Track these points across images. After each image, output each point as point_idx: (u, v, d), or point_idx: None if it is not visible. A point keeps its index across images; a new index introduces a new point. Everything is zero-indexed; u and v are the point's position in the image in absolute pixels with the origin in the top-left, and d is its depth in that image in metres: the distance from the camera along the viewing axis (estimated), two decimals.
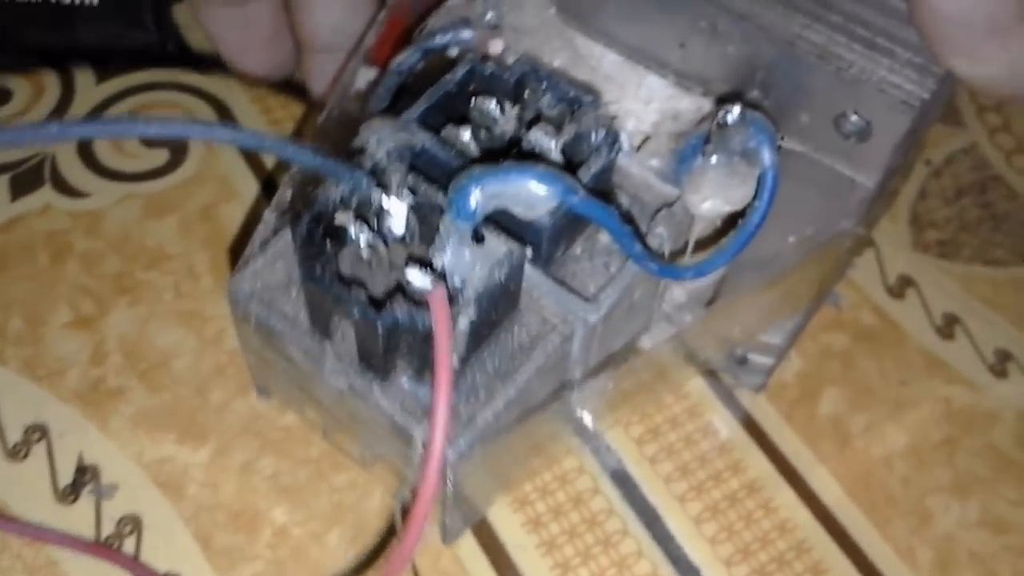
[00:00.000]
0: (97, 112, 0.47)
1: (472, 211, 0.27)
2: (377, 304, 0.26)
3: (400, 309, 0.26)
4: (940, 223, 0.46)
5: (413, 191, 0.28)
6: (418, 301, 0.26)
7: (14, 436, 0.37)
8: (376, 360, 0.28)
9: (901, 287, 0.44)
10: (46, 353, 0.39)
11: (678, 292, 0.34)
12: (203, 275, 0.42)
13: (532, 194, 0.27)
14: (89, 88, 0.49)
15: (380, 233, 0.28)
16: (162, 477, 0.36)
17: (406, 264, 0.27)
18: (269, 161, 0.46)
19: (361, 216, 0.28)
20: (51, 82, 0.49)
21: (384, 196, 0.28)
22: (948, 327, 0.42)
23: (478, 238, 0.27)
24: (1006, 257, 0.45)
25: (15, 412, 0.38)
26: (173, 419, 0.38)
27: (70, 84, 0.49)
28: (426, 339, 0.26)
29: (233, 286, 0.30)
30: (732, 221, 0.31)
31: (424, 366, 0.28)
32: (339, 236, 0.28)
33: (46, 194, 0.44)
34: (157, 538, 0.35)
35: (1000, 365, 0.41)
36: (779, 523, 0.36)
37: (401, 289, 0.27)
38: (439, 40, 0.32)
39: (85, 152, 0.46)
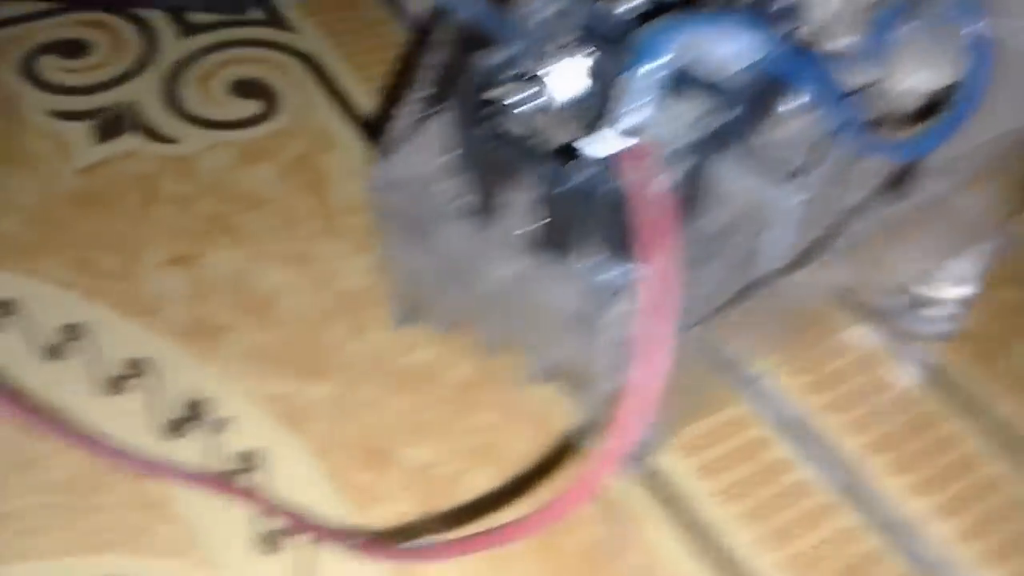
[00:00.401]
0: (181, 66, 0.45)
1: (666, 61, 0.24)
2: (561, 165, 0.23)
3: (593, 168, 0.23)
4: None
5: (586, 51, 0.25)
6: (607, 163, 0.23)
7: (113, 370, 0.33)
8: (555, 236, 0.25)
9: None
10: (142, 290, 0.36)
11: None
12: (305, 219, 0.39)
13: (731, 45, 0.24)
14: (171, 42, 0.46)
15: (550, 97, 0.25)
16: (283, 412, 0.33)
17: (590, 126, 0.24)
18: (367, 107, 0.44)
19: (527, 79, 0.25)
20: (130, 35, 0.46)
21: (555, 57, 0.25)
22: None
23: (673, 92, 0.24)
24: None
25: (112, 346, 0.34)
26: (287, 356, 0.34)
27: (152, 38, 0.46)
28: (616, 207, 0.23)
29: (378, 176, 0.27)
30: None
31: (615, 241, 0.25)
32: (505, 101, 0.25)
33: (131, 140, 0.41)
34: (282, 473, 0.31)
35: None
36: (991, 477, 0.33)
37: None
38: None
39: (171, 99, 0.43)
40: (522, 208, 0.26)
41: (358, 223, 0.39)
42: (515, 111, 0.24)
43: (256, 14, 0.48)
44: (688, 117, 0.24)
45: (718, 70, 0.24)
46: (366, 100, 0.44)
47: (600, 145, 0.23)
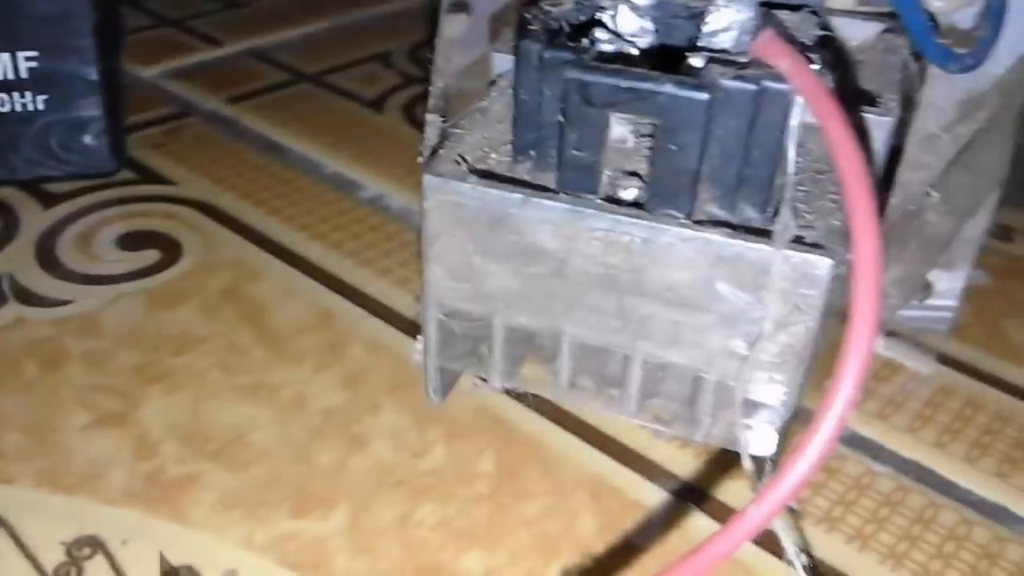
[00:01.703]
0: (51, 235, 0.39)
1: None
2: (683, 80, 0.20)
3: (729, 76, 0.20)
4: None
5: None
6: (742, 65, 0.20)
7: (54, 557, 0.25)
8: (681, 178, 0.20)
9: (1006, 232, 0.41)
10: (69, 460, 0.28)
11: None
12: (248, 350, 0.33)
13: None
14: (35, 215, 0.40)
15: (619, 38, 0.22)
16: (294, 557, 0.26)
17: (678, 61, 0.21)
18: (290, 242, 0.39)
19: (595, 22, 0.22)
20: None
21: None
22: None
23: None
24: None
25: (46, 531, 0.26)
26: (278, 493, 0.27)
27: (10, 215, 0.40)
28: (760, 125, 0.20)
29: (432, 174, 0.22)
30: None
31: (755, 177, 0.21)
32: (588, 42, 0.22)
33: (15, 308, 0.34)
34: None
35: None
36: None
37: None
38: None
39: (49, 264, 0.37)
40: (624, 164, 0.21)
41: (313, 343, 0.33)
42: (599, 50, 0.20)
43: (127, 175, 0.43)
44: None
45: None
46: (280, 231, 0.39)
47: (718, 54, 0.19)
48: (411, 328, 0.34)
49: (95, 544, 0.26)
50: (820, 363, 0.22)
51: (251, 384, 0.31)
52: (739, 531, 0.18)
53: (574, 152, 0.21)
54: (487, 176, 0.22)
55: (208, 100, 0.50)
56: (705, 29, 0.21)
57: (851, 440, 0.30)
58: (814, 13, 0.22)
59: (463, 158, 0.23)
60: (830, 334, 0.22)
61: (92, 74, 0.40)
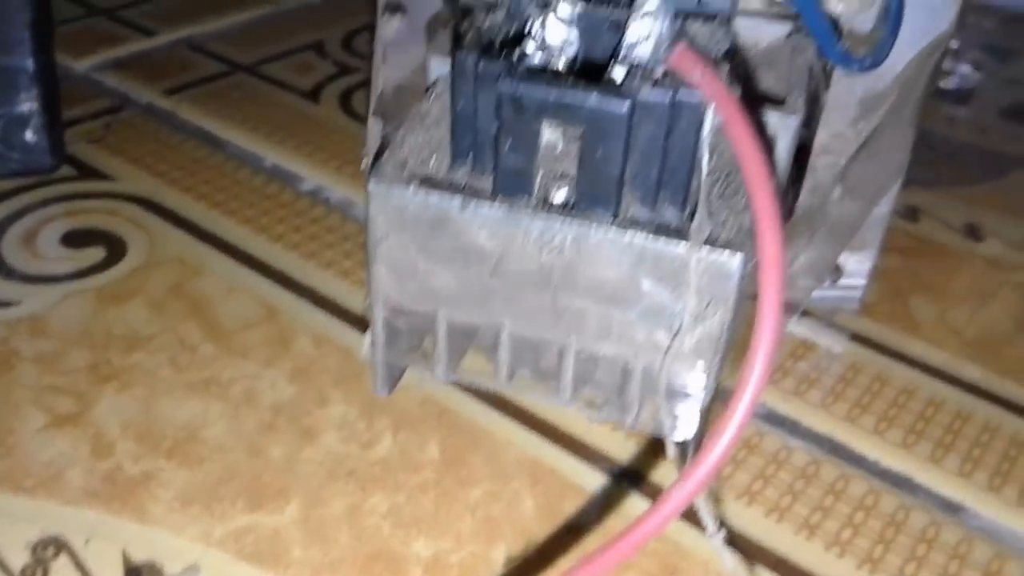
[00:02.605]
0: None
1: None
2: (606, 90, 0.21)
3: (647, 88, 0.21)
4: None
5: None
6: (657, 76, 0.22)
7: (20, 559, 0.26)
8: (606, 181, 0.22)
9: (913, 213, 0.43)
10: (28, 462, 0.29)
11: None
12: (198, 346, 0.34)
13: None
14: None
15: (554, 46, 0.24)
16: (252, 550, 0.27)
17: (602, 70, 0.22)
18: (233, 236, 0.40)
19: (526, 34, 0.23)
20: None
21: (552, 10, 0.23)
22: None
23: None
24: None
25: (10, 533, 0.27)
26: (233, 488, 0.29)
27: None
28: (676, 132, 0.21)
29: (376, 181, 0.24)
30: None
31: (673, 179, 0.22)
32: (518, 55, 0.23)
33: None
34: None
35: None
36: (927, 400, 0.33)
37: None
38: None
39: None
40: (556, 168, 0.23)
41: (259, 337, 0.34)
42: (527, 62, 0.22)
43: (67, 171, 0.43)
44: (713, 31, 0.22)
45: None
46: (222, 225, 0.40)
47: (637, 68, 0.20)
48: (356, 321, 0.35)
49: (59, 544, 0.27)
50: (737, 344, 0.24)
51: (202, 380, 0.32)
52: (665, 511, 0.20)
53: (509, 158, 0.22)
54: (428, 182, 0.23)
55: (144, 92, 0.50)
56: (626, 40, 0.23)
57: (769, 417, 0.32)
58: (724, 23, 0.24)
59: (404, 164, 0.24)
60: (746, 315, 0.24)
61: (30, 68, 0.40)
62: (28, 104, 0.41)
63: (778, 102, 0.26)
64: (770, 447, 0.31)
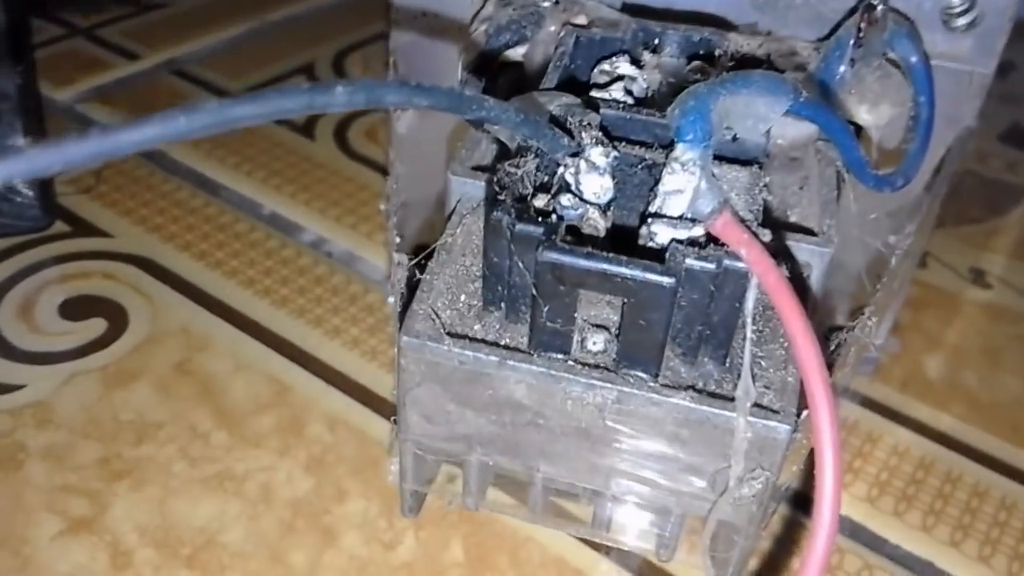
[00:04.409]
0: None
1: (708, 131, 0.22)
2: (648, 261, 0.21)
3: (692, 256, 0.21)
4: None
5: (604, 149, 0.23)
6: (698, 245, 0.21)
7: None
8: (648, 345, 0.22)
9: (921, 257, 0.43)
10: (46, 574, 0.29)
11: None
12: (209, 434, 0.33)
13: (760, 103, 0.23)
14: None
15: (585, 202, 0.23)
16: None
17: (646, 216, 0.22)
18: (237, 301, 0.39)
19: (560, 188, 0.23)
20: None
21: (586, 157, 0.23)
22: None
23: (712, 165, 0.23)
24: None
25: None
26: None
27: None
28: (720, 297, 0.21)
29: (409, 336, 0.23)
30: None
31: (714, 337, 0.22)
32: (546, 214, 0.22)
33: None
34: None
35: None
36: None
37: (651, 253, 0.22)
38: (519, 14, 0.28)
39: None
40: (594, 329, 0.23)
41: (271, 422, 0.34)
42: (563, 222, 0.21)
43: (60, 227, 0.42)
44: (746, 180, 0.22)
45: (751, 129, 0.22)
46: (225, 289, 0.39)
47: (672, 231, 0.20)
48: (366, 396, 0.35)
49: None
50: None
51: (216, 475, 0.32)
52: None
53: (546, 319, 0.22)
54: (462, 339, 0.23)
55: None
56: (661, 188, 0.22)
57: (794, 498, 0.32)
58: (758, 171, 0.23)
59: (436, 313, 0.23)
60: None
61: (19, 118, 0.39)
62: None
63: (809, 231, 0.25)
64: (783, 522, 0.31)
